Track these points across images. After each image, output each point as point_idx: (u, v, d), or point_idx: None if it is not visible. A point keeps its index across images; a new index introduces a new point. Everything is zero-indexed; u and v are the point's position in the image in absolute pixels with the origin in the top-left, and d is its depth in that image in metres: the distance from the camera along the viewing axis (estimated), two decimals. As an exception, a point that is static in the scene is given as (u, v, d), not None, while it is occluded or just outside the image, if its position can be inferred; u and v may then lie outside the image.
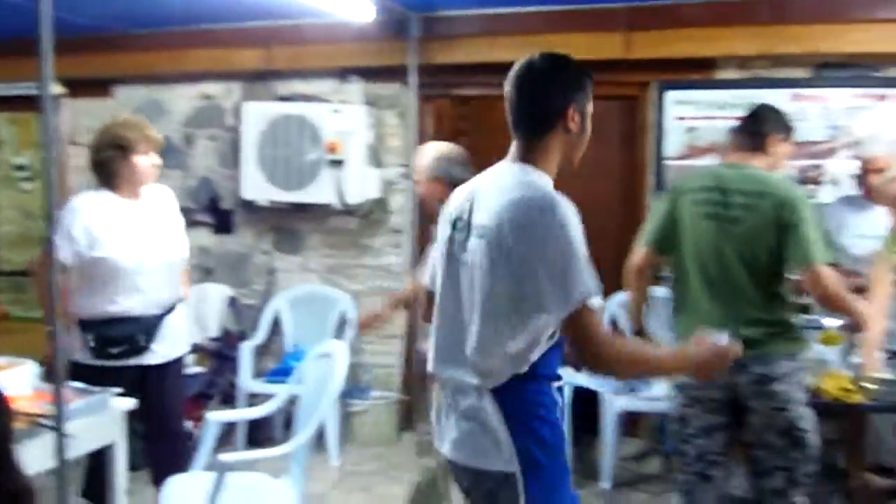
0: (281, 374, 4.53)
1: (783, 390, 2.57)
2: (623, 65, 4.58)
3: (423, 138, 5.12)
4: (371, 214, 5.00)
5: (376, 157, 4.96)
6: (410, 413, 4.88)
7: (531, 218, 1.72)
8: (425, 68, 4.73)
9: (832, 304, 2.62)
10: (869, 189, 3.75)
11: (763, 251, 2.60)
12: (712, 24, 4.37)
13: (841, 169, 4.43)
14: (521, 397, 1.78)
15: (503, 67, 4.58)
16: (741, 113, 4.49)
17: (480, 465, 1.80)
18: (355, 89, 4.88)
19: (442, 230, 1.97)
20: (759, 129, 2.81)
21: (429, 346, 1.96)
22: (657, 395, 4.05)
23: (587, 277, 1.71)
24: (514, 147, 1.92)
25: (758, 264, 2.61)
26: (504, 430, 1.76)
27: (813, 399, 2.80)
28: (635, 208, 4.72)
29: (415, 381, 4.79)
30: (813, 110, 4.51)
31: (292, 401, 3.43)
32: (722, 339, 1.90)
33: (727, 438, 2.69)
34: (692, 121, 4.64)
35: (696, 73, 4.67)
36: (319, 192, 4.72)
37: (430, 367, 1.94)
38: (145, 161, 3.15)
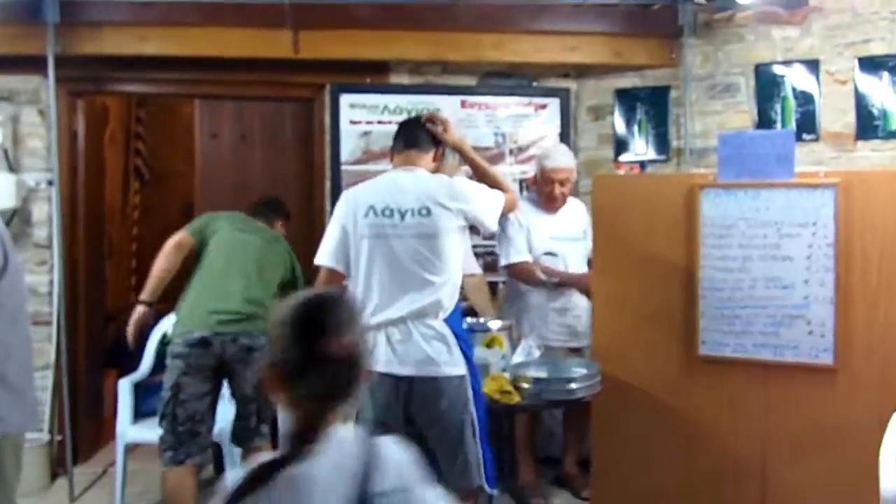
0: None
1: (259, 357, 3.21)
2: (294, 65, 4.37)
3: (72, 139, 4.55)
4: (8, 227, 4.27)
5: (12, 161, 4.26)
6: (63, 455, 4.25)
7: None
8: (69, 59, 4.15)
9: None
10: (553, 198, 3.83)
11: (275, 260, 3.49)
12: (383, 27, 4.31)
13: (510, 174, 4.60)
14: None
15: (159, 62, 4.38)
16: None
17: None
18: (-20, 81, 4.16)
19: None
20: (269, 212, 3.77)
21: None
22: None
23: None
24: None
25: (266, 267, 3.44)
26: None
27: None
28: (312, 213, 4.54)
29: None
30: (480, 117, 4.62)
31: None
32: None
33: (212, 401, 3.23)
34: (367, 125, 4.54)
35: (370, 76, 4.59)
36: (-66, 202, 3.95)
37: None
38: None
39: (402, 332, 2.59)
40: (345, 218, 2.69)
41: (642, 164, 3.56)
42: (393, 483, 1.34)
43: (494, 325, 3.29)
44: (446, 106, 4.57)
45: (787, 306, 2.91)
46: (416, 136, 2.81)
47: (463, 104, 4.60)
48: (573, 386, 2.90)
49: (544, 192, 3.85)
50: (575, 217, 3.91)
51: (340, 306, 1.41)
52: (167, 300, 4.37)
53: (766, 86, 4.21)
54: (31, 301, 4.34)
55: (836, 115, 4.04)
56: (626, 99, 4.63)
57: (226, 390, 3.47)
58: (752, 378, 3.00)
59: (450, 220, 2.65)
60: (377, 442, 1.40)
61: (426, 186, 2.68)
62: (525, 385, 2.92)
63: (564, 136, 4.66)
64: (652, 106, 4.56)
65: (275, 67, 4.43)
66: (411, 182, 2.70)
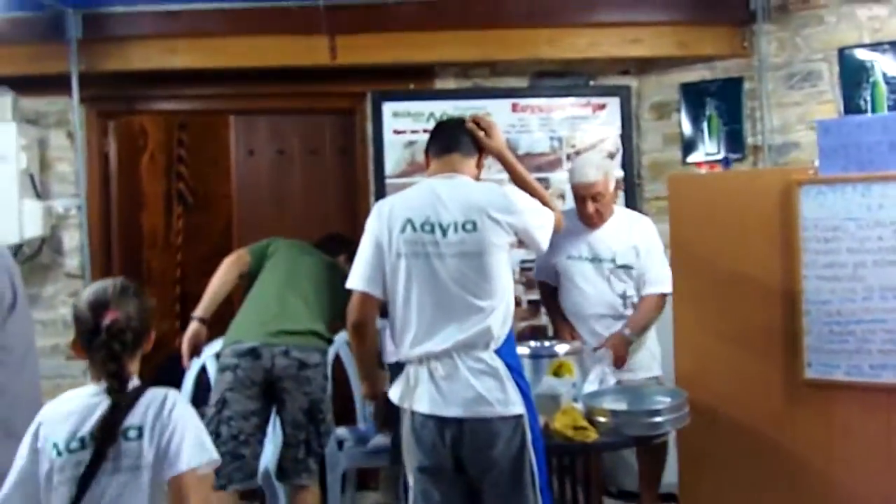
0: None
1: (312, 376, 3.04)
2: (331, 73, 4.10)
3: (103, 162, 4.32)
4: (37, 257, 4.07)
5: (39, 187, 4.03)
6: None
7: None
8: (95, 77, 3.93)
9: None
10: (586, 215, 3.28)
11: (332, 285, 3.20)
12: (426, 27, 4.01)
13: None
14: None
15: (190, 77, 4.14)
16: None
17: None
18: (3, 103, 3.94)
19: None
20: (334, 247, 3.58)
21: None
22: (383, 445, 3.55)
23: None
24: None
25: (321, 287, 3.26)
26: None
27: (547, 441, 2.42)
28: (356, 230, 4.18)
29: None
30: (534, 121, 4.28)
31: None
32: None
33: (259, 423, 3.04)
34: (411, 134, 4.21)
35: (413, 81, 4.29)
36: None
37: None
38: None
39: (448, 367, 2.24)
40: (379, 234, 2.34)
41: (725, 161, 3.14)
42: (139, 419, 1.77)
43: (561, 349, 2.92)
44: (496, 110, 4.22)
45: (910, 320, 2.48)
46: (458, 139, 2.44)
47: (514, 108, 4.26)
48: (658, 419, 2.50)
49: (577, 208, 3.33)
50: (616, 236, 3.30)
51: (116, 289, 1.86)
52: (218, 325, 4.19)
53: (853, 72, 3.80)
54: (65, 334, 4.13)
55: (934, 100, 3.63)
56: (694, 94, 4.25)
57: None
58: (870, 405, 2.56)
59: (499, 235, 2.29)
60: (147, 390, 1.82)
61: (472, 196, 2.32)
62: (602, 419, 2.53)
63: (626, 138, 4.29)
64: (723, 100, 4.18)
65: (312, 77, 4.17)
66: (455, 191, 2.33)
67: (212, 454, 1.81)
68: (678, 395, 2.62)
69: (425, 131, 4.11)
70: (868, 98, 3.79)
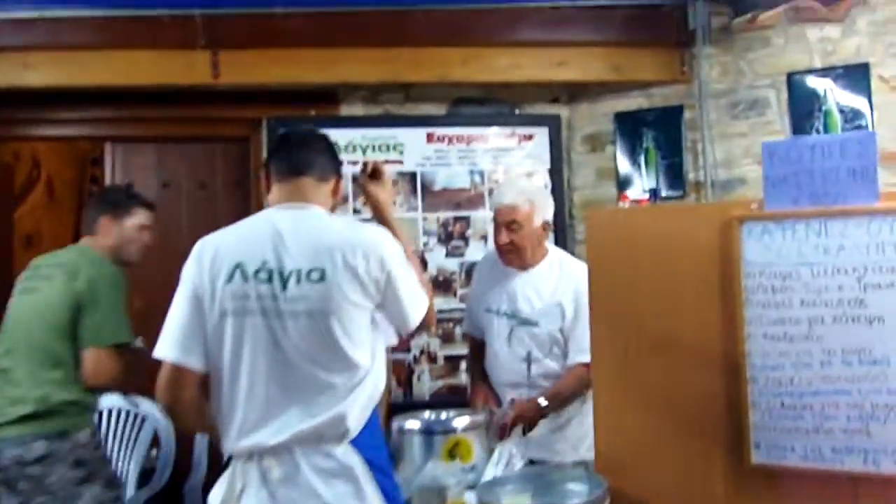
0: None
1: (43, 473, 2.44)
2: (223, 96, 3.63)
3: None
4: None
5: None
6: None
7: None
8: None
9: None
10: (499, 247, 2.72)
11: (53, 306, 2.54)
12: (321, 44, 3.56)
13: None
14: None
15: (54, 97, 3.46)
16: (370, 155, 3.78)
17: None
18: None
19: None
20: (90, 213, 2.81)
21: None
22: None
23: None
24: None
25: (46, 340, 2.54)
26: None
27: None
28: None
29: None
30: (452, 153, 3.82)
31: None
32: None
33: None
34: (313, 165, 3.71)
35: (316, 107, 3.81)
36: None
37: None
38: None
39: (286, 467, 1.70)
40: (197, 283, 1.76)
41: (654, 194, 2.66)
42: None
43: (461, 422, 2.36)
44: (410, 140, 3.81)
45: (880, 391, 1.98)
46: (310, 159, 1.88)
47: (430, 138, 3.81)
48: (570, 517, 1.97)
49: (494, 239, 2.77)
50: (540, 290, 2.75)
51: None
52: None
53: (803, 99, 3.48)
54: None
55: (894, 130, 3.29)
56: (630, 124, 3.87)
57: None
58: (832, 497, 2.06)
59: (355, 289, 1.73)
60: None
61: (324, 234, 1.78)
62: (502, 521, 1.98)
63: (556, 173, 3.86)
64: (661, 131, 3.81)
65: (200, 100, 3.70)
66: (301, 227, 1.79)
67: None
68: (597, 484, 2.09)
69: (327, 162, 3.66)
70: (820, 128, 3.51)
